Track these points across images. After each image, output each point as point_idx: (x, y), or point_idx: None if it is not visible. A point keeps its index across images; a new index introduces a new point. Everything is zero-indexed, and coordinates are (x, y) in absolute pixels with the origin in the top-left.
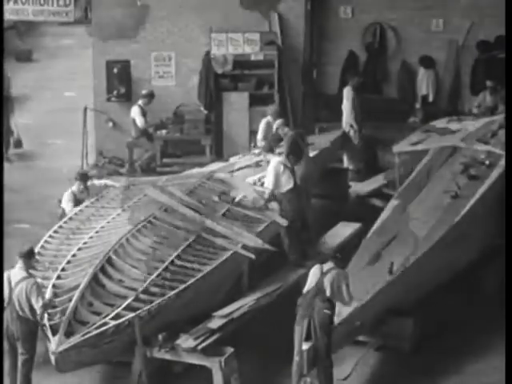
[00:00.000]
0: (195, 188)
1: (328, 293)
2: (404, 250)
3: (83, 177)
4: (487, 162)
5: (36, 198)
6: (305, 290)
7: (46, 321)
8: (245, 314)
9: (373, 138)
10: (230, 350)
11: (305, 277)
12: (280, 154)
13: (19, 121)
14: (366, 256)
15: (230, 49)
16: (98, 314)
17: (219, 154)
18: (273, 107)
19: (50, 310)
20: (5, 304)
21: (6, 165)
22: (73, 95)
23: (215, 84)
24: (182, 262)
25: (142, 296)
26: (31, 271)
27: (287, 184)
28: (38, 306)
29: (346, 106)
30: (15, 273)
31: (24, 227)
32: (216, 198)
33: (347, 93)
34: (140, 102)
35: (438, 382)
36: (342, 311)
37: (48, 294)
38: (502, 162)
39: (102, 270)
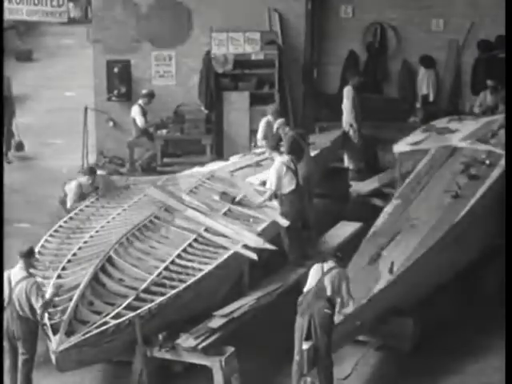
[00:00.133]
0: (196, 187)
1: (328, 292)
2: (404, 250)
3: (91, 171)
4: (487, 162)
5: (36, 198)
6: (305, 289)
7: (46, 320)
8: (245, 313)
9: (373, 138)
10: (230, 349)
11: (305, 276)
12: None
13: (19, 120)
14: (366, 256)
15: (230, 48)
16: (98, 313)
17: (219, 154)
18: (273, 106)
19: (50, 310)
20: (5, 304)
21: (6, 165)
22: (73, 95)
23: (216, 83)
24: (183, 261)
25: (143, 295)
26: (32, 271)
27: (289, 185)
28: (38, 305)
29: (347, 105)
30: (15, 272)
31: (24, 227)
32: (216, 198)
33: (347, 92)
34: (140, 101)
35: (438, 382)
36: (342, 311)
37: (49, 292)
38: (503, 162)
39: (103, 269)
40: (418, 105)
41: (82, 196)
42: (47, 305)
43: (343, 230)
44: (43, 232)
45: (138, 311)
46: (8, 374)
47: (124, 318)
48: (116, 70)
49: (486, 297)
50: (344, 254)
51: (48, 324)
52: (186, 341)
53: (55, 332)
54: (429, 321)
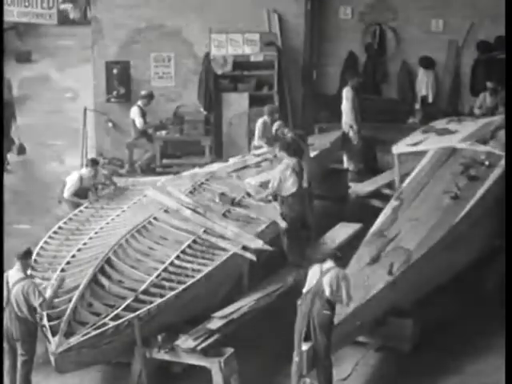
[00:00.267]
0: (195, 189)
1: (327, 293)
2: (404, 250)
3: (93, 162)
4: (487, 163)
5: (36, 199)
6: (304, 290)
7: (45, 321)
8: (244, 314)
9: (372, 139)
10: (229, 350)
11: (304, 277)
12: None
13: (19, 120)
14: (366, 256)
15: (229, 49)
16: (97, 314)
17: (219, 155)
18: (269, 107)
19: (49, 311)
20: (4, 305)
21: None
22: (72, 96)
23: (215, 85)
24: (182, 262)
25: (142, 297)
26: (31, 272)
27: (292, 188)
28: (37, 302)
29: (346, 106)
30: (12, 274)
31: (24, 228)
32: (216, 199)
33: (347, 93)
34: (139, 102)
35: (438, 382)
36: (342, 311)
37: (49, 290)
38: (502, 163)
39: (102, 270)
40: (418, 106)
41: (81, 190)
42: (49, 302)
43: (342, 231)
44: (43, 233)
45: (137, 313)
46: (7, 375)
47: (123, 320)
48: (115, 71)
49: (485, 297)
50: (343, 254)
51: (47, 325)
52: (185, 342)
53: (54, 333)
54: (428, 321)
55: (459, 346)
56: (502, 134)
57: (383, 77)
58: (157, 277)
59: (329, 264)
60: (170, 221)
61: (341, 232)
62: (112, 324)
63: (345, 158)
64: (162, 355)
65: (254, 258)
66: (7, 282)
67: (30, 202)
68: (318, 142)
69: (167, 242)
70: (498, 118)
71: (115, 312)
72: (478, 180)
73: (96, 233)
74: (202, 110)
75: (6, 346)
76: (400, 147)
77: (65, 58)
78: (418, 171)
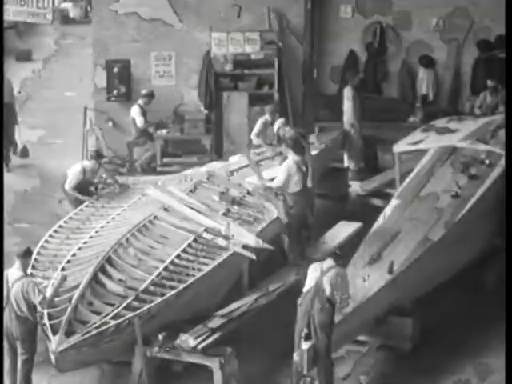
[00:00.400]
0: (195, 187)
1: (328, 292)
2: (404, 249)
3: (97, 154)
4: (487, 162)
5: (36, 198)
6: (304, 289)
7: (46, 320)
8: (245, 313)
9: (373, 138)
10: (230, 349)
11: (305, 276)
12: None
13: (19, 120)
14: (366, 256)
15: (230, 48)
16: (98, 313)
17: (219, 154)
18: (270, 106)
19: (50, 310)
20: (4, 304)
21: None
22: (73, 95)
23: (215, 83)
24: (182, 261)
25: (142, 295)
26: (31, 271)
27: (296, 186)
28: (38, 300)
29: (347, 105)
30: (12, 273)
31: (24, 227)
32: (216, 198)
33: (347, 92)
34: (140, 101)
35: (438, 381)
36: (342, 311)
37: (49, 289)
38: (502, 162)
39: (102, 269)
40: (418, 105)
41: (83, 182)
42: (49, 300)
43: (343, 230)
44: (43, 232)
45: (138, 311)
46: (8, 374)
47: (123, 319)
48: (116, 70)
49: (485, 297)
50: (343, 253)
51: (48, 324)
52: (185, 341)
53: (55, 332)
54: (429, 320)
55: (459, 345)
56: (502, 132)
57: (384, 76)
58: (157, 276)
59: (329, 263)
60: (170, 220)
61: (341, 231)
62: (113, 323)
63: (345, 157)
64: (163, 354)
65: (253, 256)
66: (7, 281)
67: (30, 201)
68: (319, 141)
69: (168, 240)
70: (499, 117)
71: (116, 311)
72: (479, 179)
73: (97, 231)
74: (202, 108)
75: (6, 345)
76: (400, 146)
77: (65, 57)
78: (418, 170)
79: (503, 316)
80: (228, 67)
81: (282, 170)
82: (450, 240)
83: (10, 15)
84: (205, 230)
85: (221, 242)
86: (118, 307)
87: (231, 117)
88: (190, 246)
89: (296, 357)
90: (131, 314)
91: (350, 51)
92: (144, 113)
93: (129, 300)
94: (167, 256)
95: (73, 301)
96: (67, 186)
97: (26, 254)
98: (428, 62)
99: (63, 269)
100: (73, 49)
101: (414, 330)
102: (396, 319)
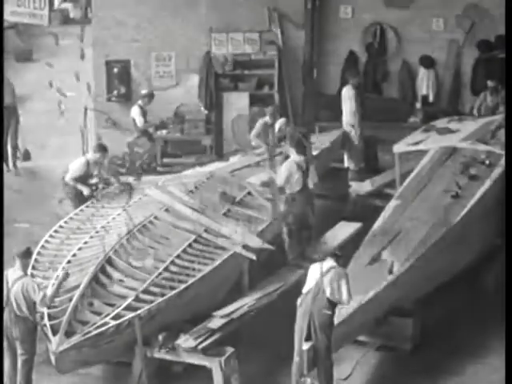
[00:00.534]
0: (196, 188)
1: (328, 292)
2: (404, 249)
3: (101, 147)
4: (487, 162)
5: (36, 198)
6: (304, 289)
7: (46, 320)
8: (245, 313)
9: (373, 138)
10: (230, 349)
11: (305, 276)
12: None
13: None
14: (366, 256)
15: (230, 48)
16: (98, 313)
17: (219, 154)
18: (271, 108)
19: (50, 310)
20: (4, 304)
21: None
22: (73, 95)
23: (215, 84)
24: (183, 261)
25: (143, 296)
26: (32, 271)
27: (296, 186)
28: (38, 298)
29: (347, 105)
30: (12, 272)
31: (24, 227)
32: (217, 198)
33: (348, 92)
34: (140, 101)
35: (438, 382)
36: (342, 311)
37: (50, 288)
38: (502, 162)
39: (103, 269)
40: (418, 105)
41: (85, 175)
42: (50, 298)
43: (343, 231)
44: (43, 232)
45: (138, 312)
46: (8, 375)
47: (124, 319)
48: (116, 70)
49: (485, 297)
50: (343, 253)
51: (48, 324)
52: (185, 341)
53: (55, 332)
54: (429, 321)
55: (459, 345)
56: (502, 133)
57: (384, 76)
58: (157, 276)
59: (329, 263)
60: (170, 220)
61: (341, 231)
62: (113, 323)
63: (345, 157)
64: (163, 354)
65: (254, 257)
66: (7, 281)
67: (31, 201)
68: (319, 141)
69: (168, 241)
70: (499, 118)
71: (116, 311)
72: (479, 179)
73: (97, 232)
74: (202, 109)
75: (5, 345)
76: (401, 146)
77: (65, 57)
78: (418, 170)
79: (503, 316)
80: (227, 68)
81: (282, 170)
82: (450, 240)
83: (8, 15)
84: (205, 231)
85: (221, 242)
86: (118, 307)
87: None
88: (190, 246)
89: (296, 357)
90: (131, 315)
91: (349, 51)
92: (144, 113)
93: (129, 300)
94: (167, 256)
95: (73, 301)
96: (67, 178)
97: (26, 254)
98: (428, 63)
99: (63, 269)
100: (73, 49)
101: (414, 330)
102: (396, 319)
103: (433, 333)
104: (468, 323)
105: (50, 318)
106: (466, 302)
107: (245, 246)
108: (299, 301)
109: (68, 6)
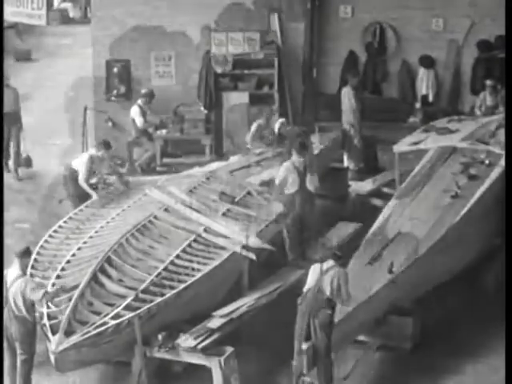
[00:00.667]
0: (195, 188)
1: (328, 292)
2: (404, 249)
3: (105, 144)
4: (487, 162)
5: (36, 198)
6: (304, 289)
7: (45, 320)
8: (245, 313)
9: (373, 138)
10: (229, 349)
11: (305, 276)
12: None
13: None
14: (366, 256)
15: (230, 48)
16: (97, 313)
17: (219, 154)
18: (267, 111)
19: (49, 310)
20: (3, 304)
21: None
22: (73, 95)
23: (215, 83)
24: (182, 261)
25: (142, 295)
26: (31, 271)
27: (292, 186)
28: (38, 295)
29: (346, 105)
30: (11, 272)
31: (24, 227)
32: (216, 198)
33: (347, 92)
34: (139, 101)
35: (438, 381)
36: (342, 310)
37: (49, 289)
38: (502, 162)
39: (102, 269)
40: (418, 105)
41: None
42: (51, 296)
43: (343, 230)
44: (43, 232)
45: (138, 311)
46: (8, 375)
47: (123, 319)
48: (115, 69)
49: (486, 296)
50: (343, 253)
51: (47, 324)
52: (185, 341)
53: (54, 332)
54: (429, 320)
55: (459, 345)
56: (502, 133)
57: (383, 76)
58: (157, 276)
59: (329, 263)
60: (170, 220)
61: (341, 231)
62: (112, 323)
63: (345, 157)
64: (163, 354)
65: (253, 257)
66: (5, 281)
67: (31, 201)
68: (319, 141)
69: (167, 240)
70: (498, 117)
71: (115, 311)
72: (478, 179)
73: (96, 232)
74: (202, 108)
75: (5, 345)
76: (400, 146)
77: (65, 57)
78: (418, 170)
79: (503, 316)
80: (227, 67)
81: (280, 171)
82: (449, 240)
83: (8, 15)
84: (205, 230)
85: (221, 241)
86: (118, 307)
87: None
88: (190, 246)
89: (296, 357)
90: (131, 314)
91: (349, 51)
92: (144, 113)
93: (128, 300)
94: (167, 256)
95: (72, 301)
96: (81, 179)
97: (25, 254)
98: (428, 62)
99: (63, 269)
100: (72, 48)
101: (414, 329)
102: (396, 319)
103: (433, 332)
104: (468, 323)
105: (50, 317)
106: (466, 302)
107: (244, 246)
108: (299, 300)
109: (67, 5)
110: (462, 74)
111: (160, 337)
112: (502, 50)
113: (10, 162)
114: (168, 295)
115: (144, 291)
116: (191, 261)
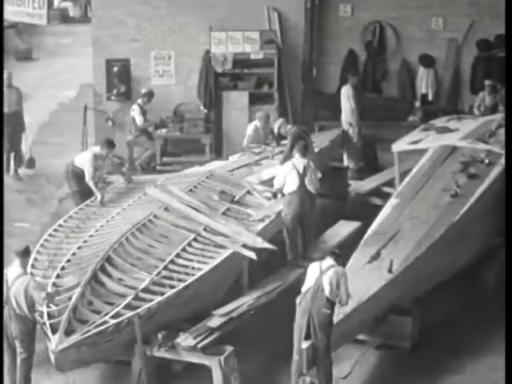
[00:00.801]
0: (195, 187)
1: (327, 291)
2: (404, 248)
3: (109, 143)
4: (487, 161)
5: (36, 197)
6: (304, 288)
7: (45, 319)
8: (244, 312)
9: (372, 137)
10: (229, 348)
11: (304, 275)
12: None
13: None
14: (366, 255)
15: (229, 47)
16: (97, 312)
17: (219, 153)
18: (261, 112)
19: (49, 309)
20: (3, 303)
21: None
22: (73, 94)
23: (215, 83)
24: (182, 260)
25: (142, 295)
26: (31, 270)
27: (291, 185)
28: (42, 295)
29: (346, 104)
30: (11, 271)
31: (24, 226)
32: (216, 197)
33: (347, 91)
34: (139, 100)
35: (438, 381)
36: (342, 310)
37: (49, 288)
38: (502, 161)
39: (102, 268)
40: (418, 104)
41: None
42: (51, 296)
43: (342, 229)
44: (43, 231)
45: (138, 311)
46: (8, 374)
47: (123, 318)
48: (115, 69)
49: (485, 295)
50: (343, 252)
51: (47, 323)
52: (185, 340)
53: (54, 331)
54: (428, 320)
55: (459, 345)
56: (501, 132)
57: (383, 75)
58: (157, 275)
59: (328, 262)
60: (170, 219)
61: (340, 230)
62: (112, 322)
63: (345, 156)
64: (163, 353)
65: (253, 256)
66: (6, 280)
67: (31, 200)
68: (318, 140)
69: (167, 239)
70: (498, 117)
71: (115, 310)
72: (478, 178)
73: (96, 231)
74: (202, 108)
75: (5, 344)
76: (400, 145)
77: (65, 56)
78: (417, 169)
79: (503, 315)
80: (227, 67)
81: (281, 171)
82: (449, 239)
83: (8, 15)
84: (205, 229)
85: (221, 241)
86: (118, 306)
87: (231, 116)
88: (189, 245)
89: (295, 356)
90: (131, 313)
91: (349, 50)
92: (144, 112)
93: (128, 299)
94: (167, 255)
95: (72, 300)
96: (88, 178)
97: (25, 253)
98: (428, 61)
99: (63, 268)
100: (72, 48)
101: (413, 329)
102: (396, 318)
103: (432, 331)
104: (467, 322)
105: (50, 316)
106: (466, 301)
107: (244, 245)
108: (298, 300)
109: (68, 4)
110: (461, 73)
111: (160, 336)
112: (502, 49)
113: (12, 163)
114: (168, 294)
115: (144, 290)
116: (191, 260)
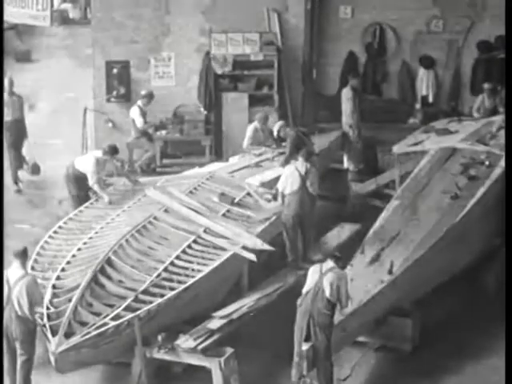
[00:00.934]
0: (195, 188)
1: (327, 293)
2: (404, 250)
3: (112, 149)
4: (487, 163)
5: (36, 199)
6: (304, 290)
7: (45, 321)
8: (245, 314)
9: (373, 139)
10: (229, 350)
11: (305, 277)
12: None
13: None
14: (366, 256)
15: (229, 49)
16: (97, 314)
17: (219, 155)
18: (261, 114)
19: (49, 311)
20: (4, 304)
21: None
22: (72, 95)
23: (215, 84)
24: (182, 262)
25: (142, 296)
26: (31, 272)
27: (291, 187)
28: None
29: (346, 106)
30: (13, 272)
31: (24, 227)
32: (216, 199)
33: (346, 93)
34: (139, 102)
35: (438, 382)
36: (342, 312)
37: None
38: (502, 163)
39: (102, 270)
40: (418, 106)
41: (83, 178)
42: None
43: (343, 231)
44: (43, 233)
45: (138, 312)
46: (7, 375)
47: (123, 320)
48: (115, 70)
49: (485, 297)
50: (343, 254)
51: (47, 325)
52: (185, 342)
53: (54, 333)
54: (428, 321)
55: (459, 346)
56: (501, 134)
57: (383, 77)
58: (157, 277)
59: (329, 264)
60: (170, 221)
61: (341, 232)
62: (112, 324)
63: (345, 158)
64: (162, 355)
65: (253, 257)
66: (7, 281)
67: (31, 202)
68: (318, 142)
69: (167, 241)
70: (499, 119)
71: (115, 312)
72: (478, 180)
73: (96, 232)
74: (202, 109)
75: (5, 345)
76: (400, 147)
77: (65, 58)
78: (418, 171)
79: (503, 316)
80: (227, 68)
81: (283, 174)
82: (449, 240)
83: (9, 16)
84: (204, 231)
85: (221, 242)
86: (118, 308)
87: (231, 117)
88: (189, 246)
89: (296, 358)
90: (131, 315)
91: (349, 52)
92: (143, 114)
93: (128, 301)
94: (167, 257)
95: (72, 302)
96: (92, 183)
97: (23, 254)
98: (428, 63)
99: (63, 269)
100: (72, 49)
101: (413, 330)
102: (396, 320)
103: (432, 333)
104: (468, 323)
105: (50, 318)
106: (466, 302)
107: (244, 247)
108: (299, 301)
109: (67, 6)
110: (461, 75)
111: (160, 338)
112: (502, 50)
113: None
114: (168, 296)
115: (144, 292)
116: (191, 262)
